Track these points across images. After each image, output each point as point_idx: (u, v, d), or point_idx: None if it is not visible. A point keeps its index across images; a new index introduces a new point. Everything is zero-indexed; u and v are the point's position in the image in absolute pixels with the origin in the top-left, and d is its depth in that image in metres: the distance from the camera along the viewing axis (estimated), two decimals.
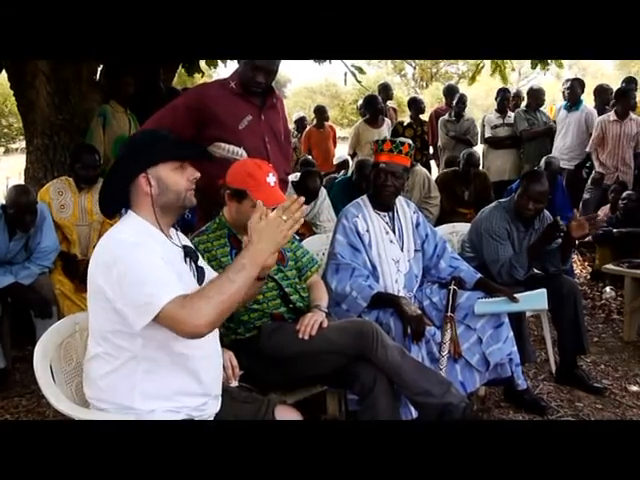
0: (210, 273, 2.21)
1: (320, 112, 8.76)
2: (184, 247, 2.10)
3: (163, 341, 1.91)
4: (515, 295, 3.20)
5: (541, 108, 7.39)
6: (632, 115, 6.51)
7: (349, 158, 7.92)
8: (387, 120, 7.49)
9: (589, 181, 6.72)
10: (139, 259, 1.86)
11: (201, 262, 2.16)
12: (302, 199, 1.89)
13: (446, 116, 7.54)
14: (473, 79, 5.58)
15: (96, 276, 1.91)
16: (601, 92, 7.38)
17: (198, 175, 2.06)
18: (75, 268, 4.04)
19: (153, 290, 1.80)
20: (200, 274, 2.10)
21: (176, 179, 2.00)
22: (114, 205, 2.10)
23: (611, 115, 6.51)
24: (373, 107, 7.28)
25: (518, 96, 8.25)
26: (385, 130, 7.20)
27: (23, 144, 6.33)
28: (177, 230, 2.16)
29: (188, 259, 2.09)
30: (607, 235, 5.48)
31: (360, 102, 8.85)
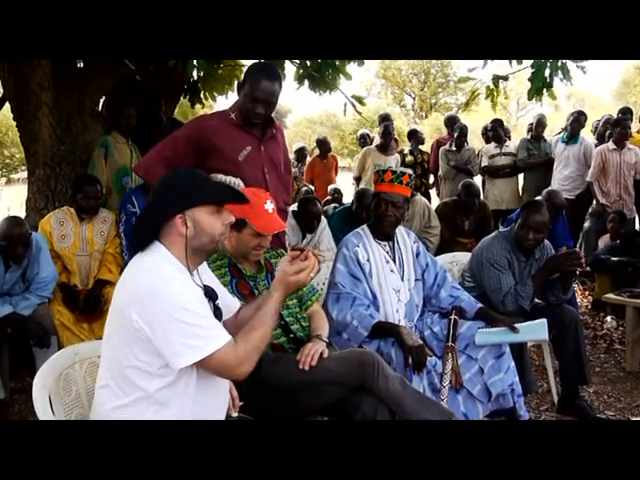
0: (226, 302, 2.26)
1: (323, 144, 8.85)
2: (205, 287, 2.09)
3: (179, 386, 1.92)
4: (515, 325, 3.19)
5: (548, 139, 7.46)
6: (629, 145, 6.59)
7: (340, 188, 7.98)
8: (397, 155, 7.60)
9: (589, 212, 6.75)
10: (186, 299, 1.87)
11: (219, 301, 2.15)
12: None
13: (447, 146, 7.59)
14: (467, 105, 5.56)
15: (127, 310, 1.88)
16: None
17: (233, 219, 2.08)
18: (75, 299, 4.04)
19: (205, 333, 1.85)
20: (218, 315, 2.10)
21: (212, 223, 2.00)
22: (146, 241, 2.01)
23: (610, 144, 6.59)
24: (388, 135, 7.45)
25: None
26: (392, 161, 7.26)
27: (25, 174, 6.36)
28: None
29: (208, 299, 2.08)
30: (604, 263, 5.48)
31: (360, 132, 8.94)
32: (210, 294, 2.09)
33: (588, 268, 5.82)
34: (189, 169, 2.21)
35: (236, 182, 3.10)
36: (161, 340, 1.85)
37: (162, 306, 1.84)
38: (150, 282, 1.88)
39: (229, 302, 2.35)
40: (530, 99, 4.44)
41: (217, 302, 2.13)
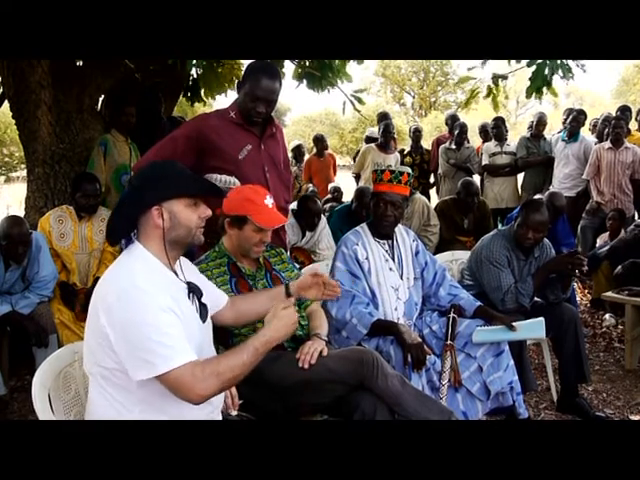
0: (213, 297, 2.26)
1: (319, 141, 8.84)
2: (188, 284, 2.07)
3: (158, 384, 1.89)
4: (513, 323, 3.19)
5: (548, 137, 7.46)
6: (628, 144, 6.58)
7: (340, 186, 7.99)
8: (397, 154, 7.61)
9: (586, 209, 6.76)
10: (152, 313, 1.83)
11: (205, 298, 2.13)
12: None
13: (447, 144, 7.60)
14: (467, 104, 5.53)
15: (98, 313, 1.88)
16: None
17: (209, 213, 2.06)
18: (72, 297, 4.04)
19: (164, 351, 1.81)
20: (203, 311, 2.09)
21: (188, 215, 1.99)
22: (121, 234, 2.04)
23: (606, 143, 6.59)
24: (388, 134, 7.49)
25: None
26: (392, 159, 7.27)
27: (24, 173, 6.35)
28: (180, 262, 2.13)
29: (192, 295, 2.06)
30: (597, 259, 5.48)
31: (367, 132, 8.94)
32: (194, 290, 2.07)
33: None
34: (166, 161, 2.20)
35: (232, 180, 3.11)
36: (121, 349, 1.83)
37: (127, 316, 1.82)
38: (121, 289, 1.86)
39: (217, 297, 2.37)
40: (529, 97, 4.44)
41: (202, 299, 2.11)
